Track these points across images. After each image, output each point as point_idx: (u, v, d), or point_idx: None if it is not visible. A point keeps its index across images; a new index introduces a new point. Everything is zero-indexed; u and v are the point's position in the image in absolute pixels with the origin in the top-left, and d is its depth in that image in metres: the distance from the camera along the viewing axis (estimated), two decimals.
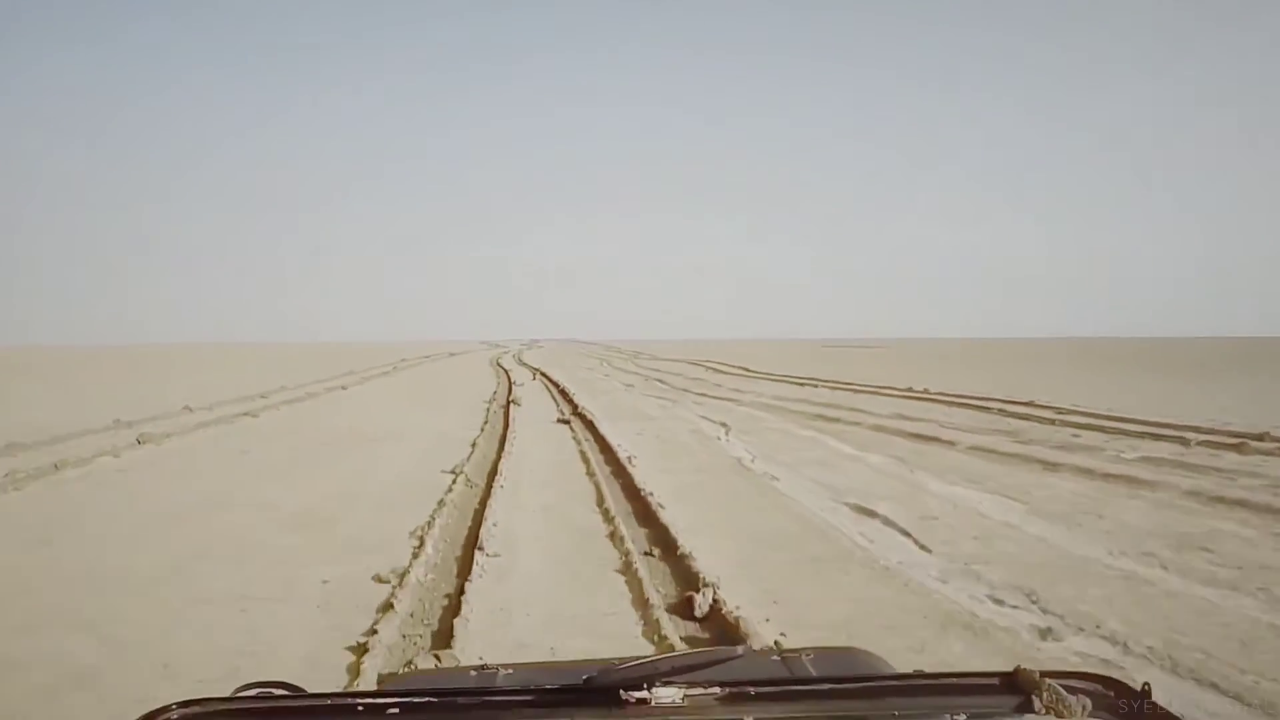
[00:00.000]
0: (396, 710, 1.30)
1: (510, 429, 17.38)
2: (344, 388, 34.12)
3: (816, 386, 32.47)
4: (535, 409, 23.25)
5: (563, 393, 29.10)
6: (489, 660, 2.22)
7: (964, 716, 1.29)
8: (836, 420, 19.02)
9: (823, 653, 2.06)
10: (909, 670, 1.66)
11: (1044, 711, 1.26)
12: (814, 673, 1.88)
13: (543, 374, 42.26)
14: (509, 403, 23.99)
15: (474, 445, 15.47)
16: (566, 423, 18.96)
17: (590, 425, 18.33)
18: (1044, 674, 1.30)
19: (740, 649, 1.57)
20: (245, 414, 21.43)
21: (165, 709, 1.28)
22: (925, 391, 27.89)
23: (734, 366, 50.97)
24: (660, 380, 36.54)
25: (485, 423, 19.38)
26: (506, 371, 45.44)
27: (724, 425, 18.21)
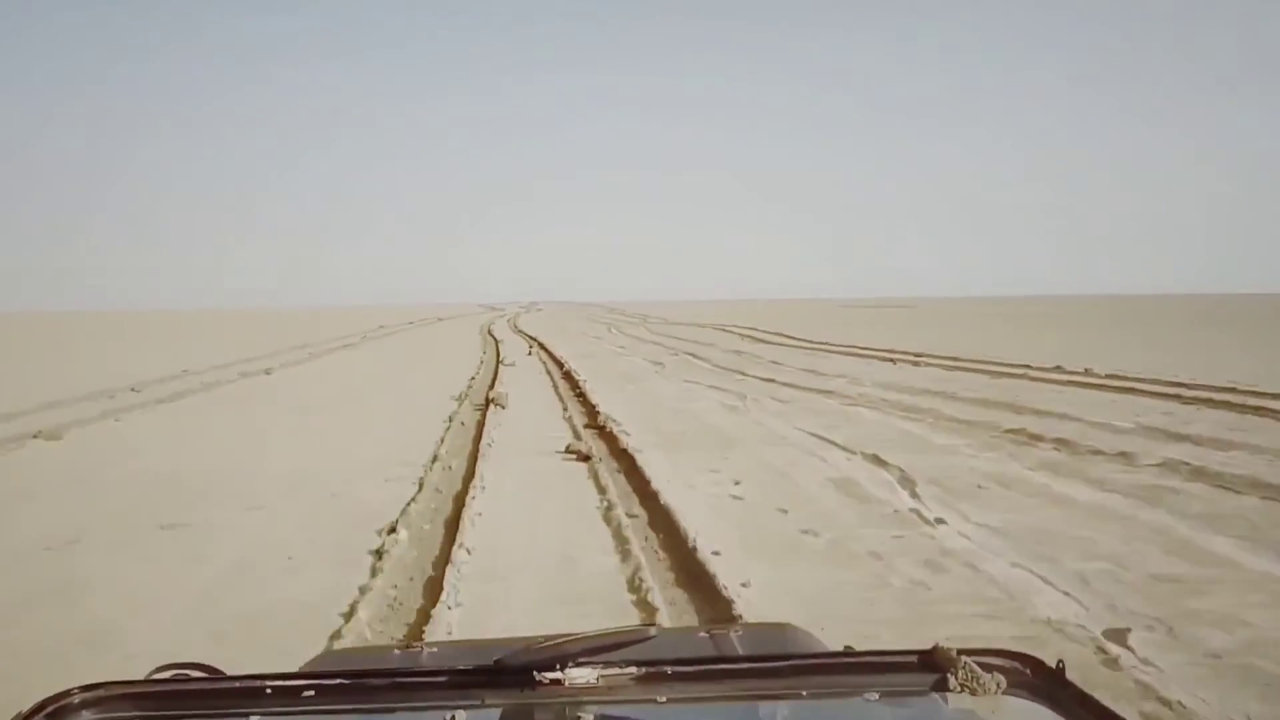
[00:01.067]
0: (312, 692, 1.29)
1: (473, 484, 8.80)
2: (267, 371, 25.36)
3: (918, 364, 23.82)
4: (528, 411, 14.71)
5: (570, 380, 20.51)
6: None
7: (882, 694, 1.29)
8: (1091, 451, 10.39)
9: (752, 630, 2.10)
10: (839, 649, 1.62)
11: (958, 689, 1.25)
12: (740, 651, 1.82)
13: (541, 346, 33.76)
14: (487, 404, 15.37)
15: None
16: (585, 458, 10.33)
17: (631, 465, 9.80)
18: (961, 651, 1.29)
19: (653, 629, 1.51)
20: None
21: (66, 694, 1.22)
22: (1088, 372, 19.35)
23: (769, 333, 42.43)
24: (694, 355, 27.90)
25: (436, 454, 10.86)
26: (497, 343, 36.99)
27: (906, 479, 9.00)
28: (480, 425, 13.00)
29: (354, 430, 13.27)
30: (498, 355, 28.56)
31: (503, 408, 14.80)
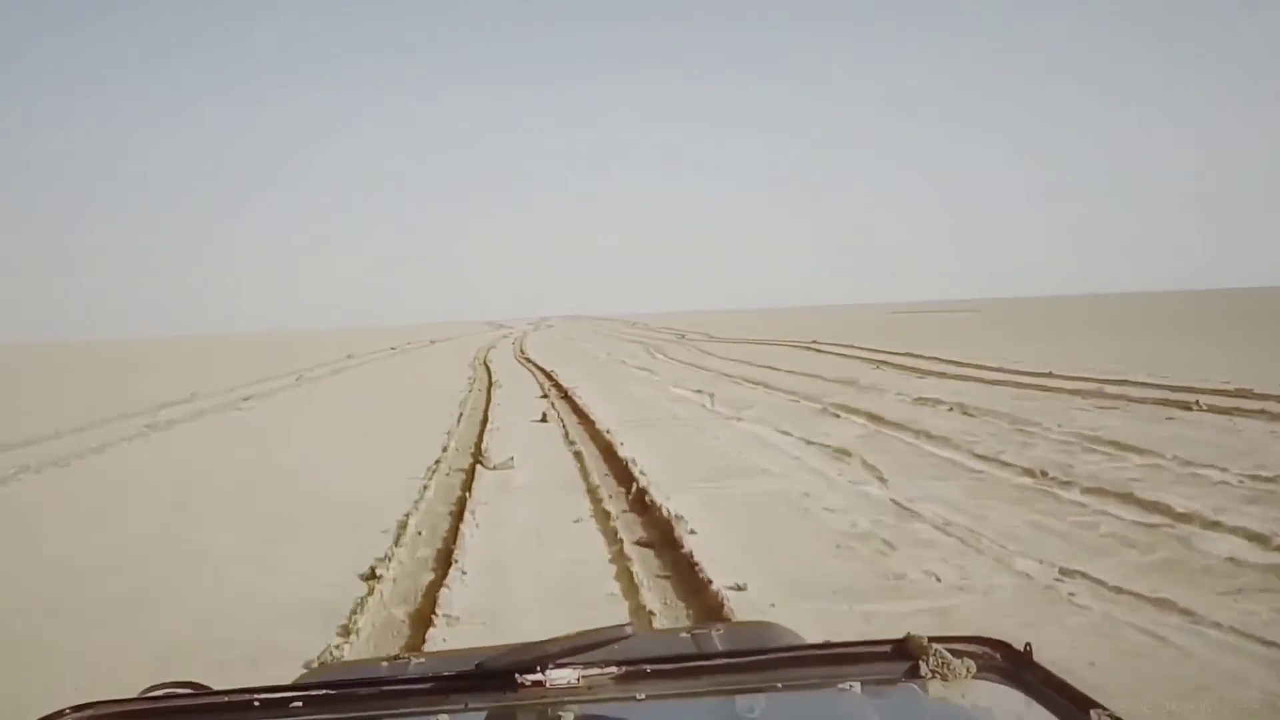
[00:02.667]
0: (300, 704, 1.32)
1: None
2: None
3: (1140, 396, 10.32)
4: None
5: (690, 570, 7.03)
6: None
7: (858, 683, 1.31)
8: None
9: (733, 629, 2.28)
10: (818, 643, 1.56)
11: (931, 675, 1.29)
12: (719, 647, 1.87)
13: (562, 393, 20.59)
14: None
15: None
16: None
17: None
18: (932, 639, 1.33)
19: (629, 628, 1.43)
20: None
21: (58, 714, 1.25)
22: None
23: (893, 353, 29.13)
24: (882, 424, 14.66)
25: None
26: (489, 385, 23.92)
27: None
28: None
29: None
30: (483, 426, 15.20)
31: None
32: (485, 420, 16.03)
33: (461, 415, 17.30)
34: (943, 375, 20.98)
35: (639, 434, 13.26)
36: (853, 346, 34.21)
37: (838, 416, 14.56)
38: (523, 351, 42.96)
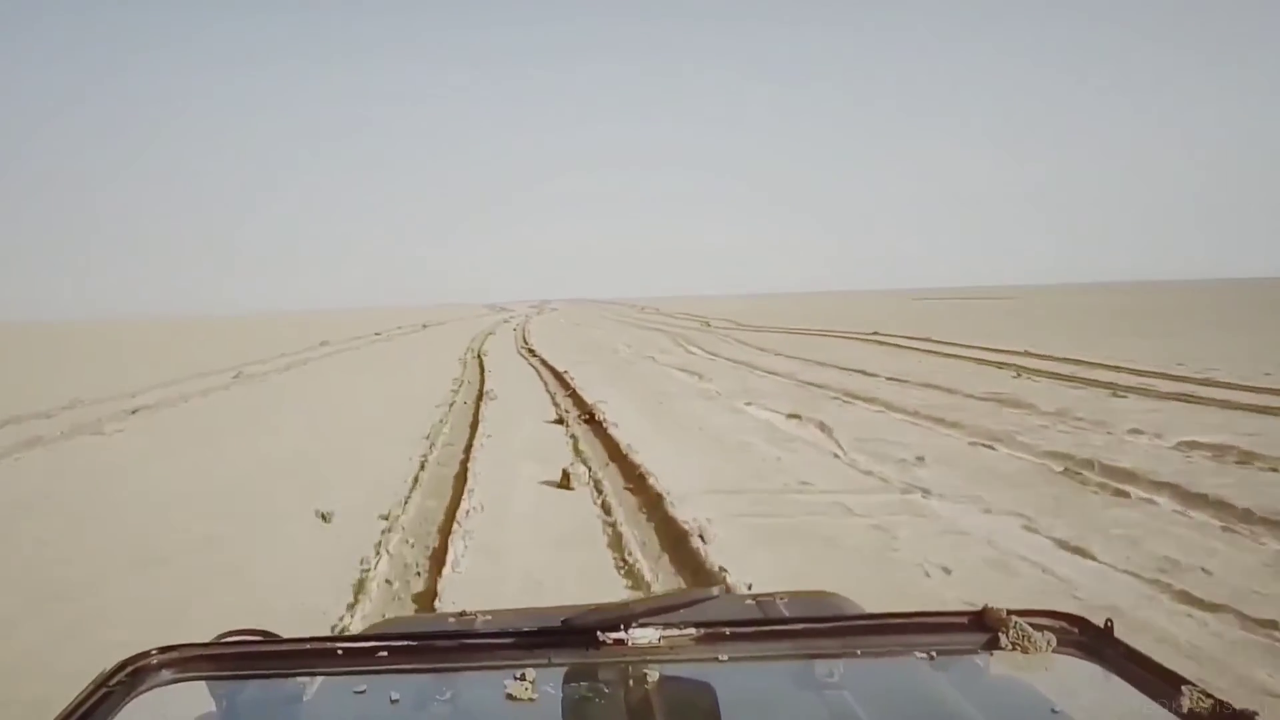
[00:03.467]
0: (385, 653, 1.33)
1: None
2: None
3: None
4: None
5: None
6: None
7: (934, 653, 1.31)
8: None
9: (796, 596, 2.10)
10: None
11: (1010, 648, 1.28)
12: (787, 614, 1.87)
13: (579, 407, 13.85)
14: None
15: None
16: None
17: None
18: (1011, 612, 1.31)
19: (716, 590, 1.49)
20: None
21: (145, 654, 1.29)
22: None
23: (986, 350, 22.46)
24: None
25: None
26: (481, 393, 17.15)
27: None
28: None
29: None
30: (453, 508, 8.35)
31: None
32: (462, 478, 9.30)
33: (424, 464, 10.50)
34: (1144, 392, 14.16)
35: (776, 551, 6.53)
36: (930, 340, 27.49)
37: (1156, 505, 7.70)
38: (525, 341, 36.09)
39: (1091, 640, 1.29)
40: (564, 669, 1.29)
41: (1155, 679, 1.16)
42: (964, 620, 1.35)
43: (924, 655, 1.31)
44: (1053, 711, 1.21)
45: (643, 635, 1.31)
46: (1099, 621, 1.31)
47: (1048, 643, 1.27)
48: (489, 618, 1.91)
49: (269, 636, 1.47)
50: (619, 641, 1.30)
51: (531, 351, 29.56)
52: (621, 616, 1.32)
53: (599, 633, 1.31)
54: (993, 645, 1.30)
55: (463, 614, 1.96)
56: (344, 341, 41.03)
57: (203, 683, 1.30)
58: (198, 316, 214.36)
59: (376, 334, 48.57)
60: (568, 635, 1.33)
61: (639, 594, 5.48)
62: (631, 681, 1.27)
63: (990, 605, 1.34)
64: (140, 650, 1.29)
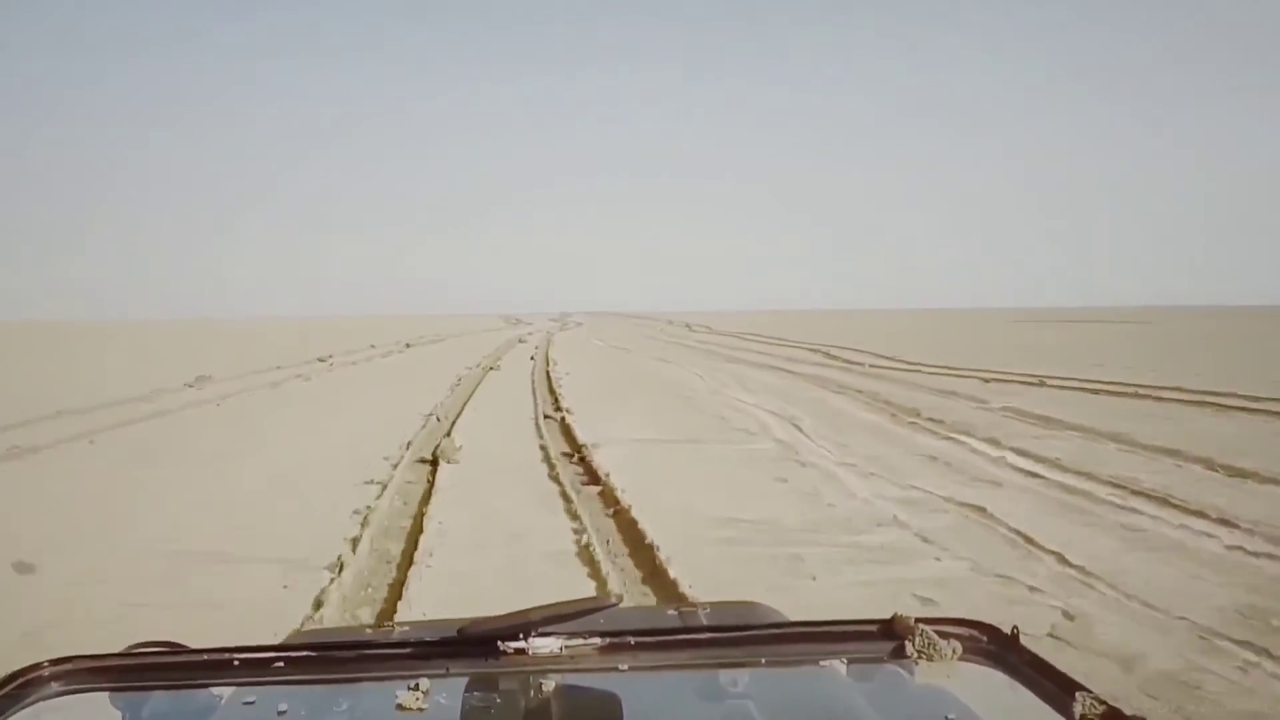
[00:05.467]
0: (281, 664, 1.33)
1: None
2: None
3: None
4: None
5: None
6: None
7: (844, 660, 1.33)
8: None
9: (719, 607, 2.10)
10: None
11: (916, 656, 1.29)
12: (704, 624, 1.86)
13: None
14: None
15: None
16: None
17: None
18: (919, 620, 1.33)
19: (614, 599, 1.48)
20: None
21: (36, 666, 1.28)
22: None
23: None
24: None
25: None
26: None
27: None
28: None
29: None
30: None
31: None
32: None
33: None
34: None
35: None
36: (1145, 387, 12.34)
37: None
38: (554, 390, 21.13)
39: (996, 648, 1.31)
40: (464, 679, 1.28)
41: (1054, 686, 1.19)
42: (873, 629, 1.35)
43: (832, 663, 1.32)
44: (947, 719, 1.21)
45: (544, 645, 1.29)
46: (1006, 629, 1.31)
47: (953, 650, 1.28)
48: (404, 628, 1.87)
49: (175, 648, 1.44)
50: (519, 651, 1.28)
51: (564, 408, 14.50)
52: (521, 625, 1.29)
53: (499, 642, 1.29)
54: (899, 653, 1.30)
55: (378, 625, 1.97)
56: (303, 365, 26.32)
57: (96, 694, 1.29)
58: (186, 319, 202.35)
59: (373, 346, 33.69)
60: (466, 645, 1.31)
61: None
62: (532, 692, 1.25)
63: (899, 614, 1.35)
64: (31, 663, 1.30)
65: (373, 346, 41.27)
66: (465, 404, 16.76)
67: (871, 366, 25.51)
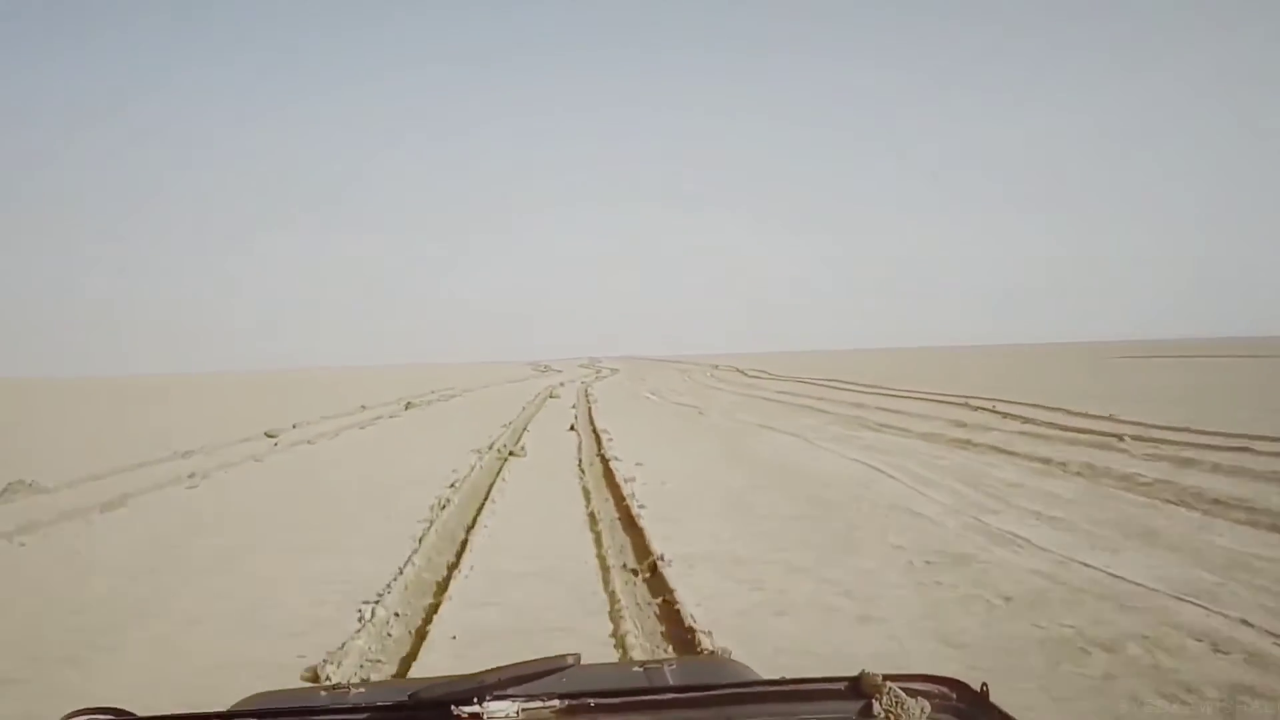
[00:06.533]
0: None
1: None
2: None
3: None
4: None
5: None
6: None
7: None
8: None
9: (685, 662, 2.08)
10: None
11: (883, 715, 1.25)
12: (671, 682, 1.82)
13: None
14: None
15: None
16: None
17: None
18: (887, 677, 1.29)
19: (570, 658, 1.37)
20: None
21: None
22: None
23: None
24: None
25: None
26: None
27: None
28: None
29: None
30: None
31: None
32: None
33: None
34: None
35: None
36: None
37: None
38: (616, 472, 11.99)
39: (967, 706, 1.28)
40: None
41: None
42: (840, 687, 1.31)
43: None
44: None
45: (499, 709, 1.23)
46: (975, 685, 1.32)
47: (922, 710, 1.24)
48: (362, 689, 1.83)
49: (122, 714, 1.39)
50: (474, 716, 1.22)
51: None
52: (475, 689, 1.24)
53: (452, 706, 1.22)
54: (867, 712, 1.26)
55: (336, 686, 1.86)
56: (228, 452, 17.22)
57: None
58: (240, 371, 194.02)
59: (363, 407, 24.38)
60: (418, 710, 1.25)
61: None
62: None
63: (867, 671, 1.30)
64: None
65: (363, 408, 32.06)
66: (449, 577, 7.42)
67: (1084, 431, 15.80)
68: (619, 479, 12.54)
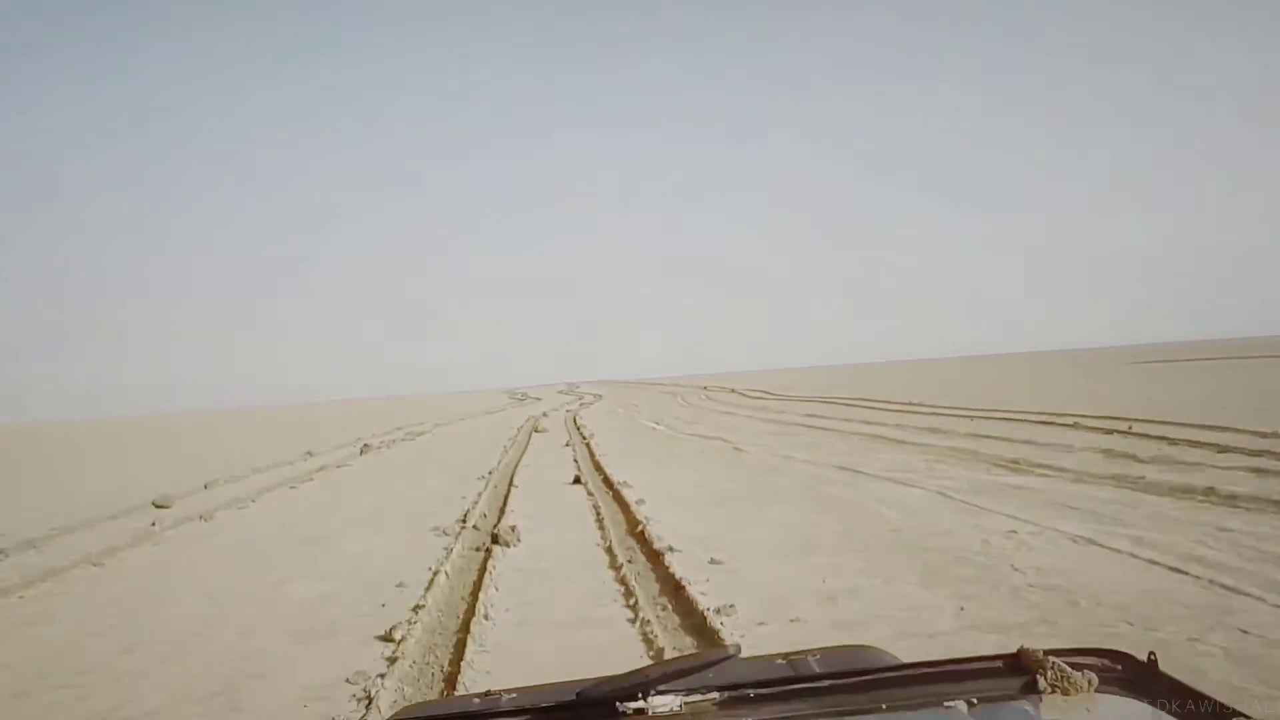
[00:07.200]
0: None
1: None
2: None
3: None
4: None
5: None
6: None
7: (970, 701, 1.22)
8: None
9: (829, 653, 1.99)
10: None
11: (1050, 690, 1.20)
12: (817, 671, 1.69)
13: None
14: None
15: None
16: None
17: None
18: (1048, 652, 1.24)
19: (732, 648, 1.40)
20: None
21: None
22: None
23: None
24: None
25: None
26: None
27: None
28: None
29: None
30: None
31: None
32: None
33: None
34: None
35: None
36: None
37: None
38: (691, 591, 6.59)
39: (1136, 676, 1.22)
40: None
41: (1205, 713, 1.08)
42: (999, 664, 1.27)
43: (959, 704, 1.21)
44: None
45: (663, 703, 1.24)
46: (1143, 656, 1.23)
47: (1089, 682, 1.19)
48: (514, 694, 1.80)
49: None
50: (639, 711, 1.22)
51: None
52: (639, 684, 1.24)
53: (618, 703, 1.23)
54: (1031, 689, 1.21)
55: (487, 693, 1.87)
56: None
57: None
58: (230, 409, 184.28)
59: (314, 455, 18.42)
60: (584, 709, 1.25)
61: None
62: None
63: (1026, 646, 1.27)
64: None
65: (308, 454, 25.93)
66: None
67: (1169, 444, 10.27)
68: (690, 594, 6.73)
